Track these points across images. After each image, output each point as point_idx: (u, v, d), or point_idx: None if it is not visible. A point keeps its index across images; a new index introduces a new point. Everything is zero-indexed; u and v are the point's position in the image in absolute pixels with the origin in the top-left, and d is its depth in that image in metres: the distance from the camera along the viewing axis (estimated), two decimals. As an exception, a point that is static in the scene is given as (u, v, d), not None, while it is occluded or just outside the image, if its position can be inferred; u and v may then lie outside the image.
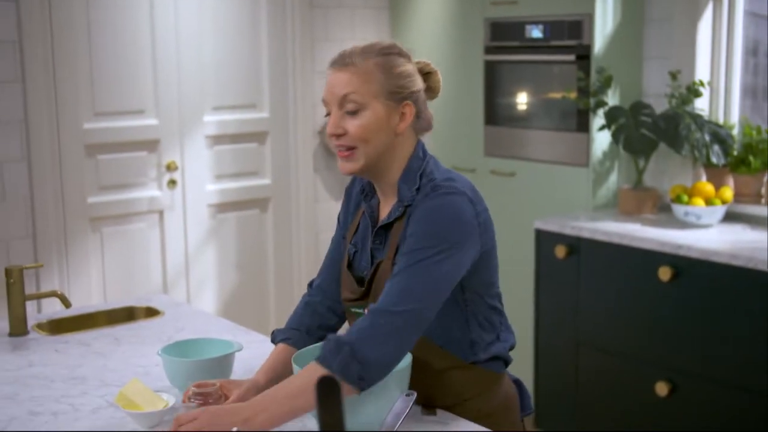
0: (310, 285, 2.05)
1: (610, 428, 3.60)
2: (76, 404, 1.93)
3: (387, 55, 1.80)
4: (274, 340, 1.99)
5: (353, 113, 1.78)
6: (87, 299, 4.04)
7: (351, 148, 1.79)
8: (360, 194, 1.95)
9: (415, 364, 1.80)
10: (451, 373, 1.84)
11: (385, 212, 1.88)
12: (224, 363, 1.97)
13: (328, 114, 1.82)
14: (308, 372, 1.66)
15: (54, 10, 3.89)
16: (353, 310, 1.89)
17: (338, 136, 1.79)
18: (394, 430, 1.63)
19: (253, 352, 2.21)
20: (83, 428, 1.80)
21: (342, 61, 1.79)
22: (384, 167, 1.82)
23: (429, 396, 1.85)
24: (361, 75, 1.77)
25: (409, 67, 1.82)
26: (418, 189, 1.80)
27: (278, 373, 1.88)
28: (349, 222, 1.96)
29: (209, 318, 2.57)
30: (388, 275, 1.76)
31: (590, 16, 3.81)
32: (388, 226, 1.83)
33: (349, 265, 1.92)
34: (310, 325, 1.98)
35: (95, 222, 4.11)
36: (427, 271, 1.68)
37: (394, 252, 1.79)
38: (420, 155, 1.85)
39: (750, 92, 3.90)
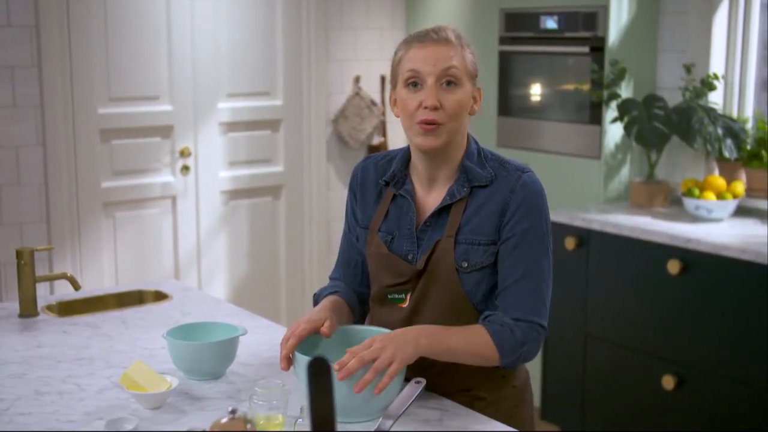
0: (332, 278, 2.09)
1: (616, 420, 3.61)
2: (82, 384, 1.95)
3: (463, 37, 1.86)
4: (318, 298, 2.00)
5: (450, 89, 1.81)
6: (99, 283, 4.08)
7: (438, 124, 1.81)
8: (381, 183, 1.95)
9: None
10: None
11: (429, 197, 1.90)
12: (228, 347, 1.99)
13: (411, 83, 1.82)
14: (477, 334, 1.77)
15: (71, -4, 3.92)
16: (391, 296, 1.91)
17: (434, 108, 1.80)
18: (399, 415, 1.64)
19: (258, 337, 2.23)
20: (88, 408, 1.83)
21: (438, 36, 1.82)
22: (454, 147, 1.87)
23: (471, 372, 1.88)
24: (458, 53, 1.83)
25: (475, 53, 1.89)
26: (492, 170, 1.86)
27: (339, 304, 1.94)
28: (372, 212, 1.96)
29: (216, 303, 2.60)
30: (449, 253, 1.83)
31: (605, 8, 3.80)
32: (443, 207, 1.86)
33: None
34: (352, 289, 2.02)
35: (108, 207, 4.14)
36: (549, 273, 1.85)
37: (455, 230, 1.83)
38: (472, 138, 1.92)
39: (765, 86, 3.87)
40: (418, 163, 1.91)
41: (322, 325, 1.82)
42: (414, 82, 1.81)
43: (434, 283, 1.86)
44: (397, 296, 1.90)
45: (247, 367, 2.05)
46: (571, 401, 3.78)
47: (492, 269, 1.85)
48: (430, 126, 1.80)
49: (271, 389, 1.71)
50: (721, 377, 3.23)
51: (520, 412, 1.96)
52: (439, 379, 1.88)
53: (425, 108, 1.79)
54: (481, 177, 1.86)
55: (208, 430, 1.15)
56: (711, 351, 3.26)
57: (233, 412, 1.15)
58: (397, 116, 1.89)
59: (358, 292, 2.04)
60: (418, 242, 1.88)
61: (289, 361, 1.77)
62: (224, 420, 1.16)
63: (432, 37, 1.82)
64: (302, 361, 1.75)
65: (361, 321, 2.05)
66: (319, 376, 1.01)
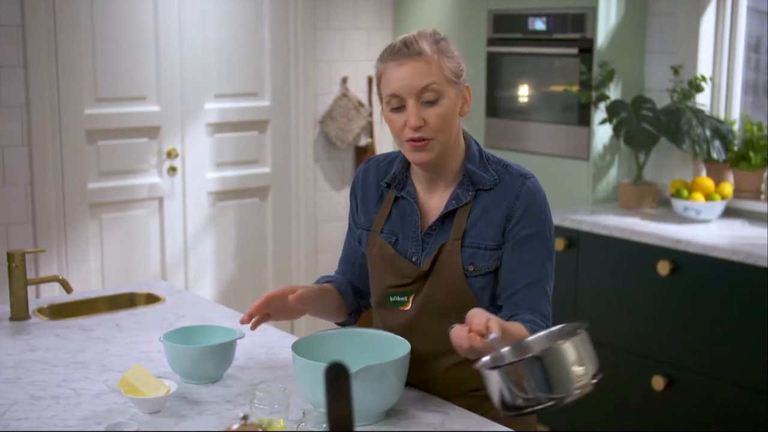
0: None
1: (605, 421, 3.62)
2: (77, 389, 1.93)
3: (441, 41, 1.82)
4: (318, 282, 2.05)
5: (432, 103, 1.79)
6: (86, 285, 4.04)
7: (427, 140, 1.79)
8: (383, 185, 1.95)
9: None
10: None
11: (431, 199, 1.89)
12: (226, 350, 1.97)
13: (394, 104, 1.80)
14: (521, 330, 1.72)
15: (56, -5, 3.89)
16: (392, 299, 1.90)
17: (419, 128, 1.78)
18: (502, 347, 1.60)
19: (254, 340, 2.22)
20: (85, 413, 1.81)
21: (411, 51, 1.78)
22: (450, 153, 1.86)
23: (478, 376, 1.87)
24: (434, 63, 1.78)
25: (457, 51, 1.86)
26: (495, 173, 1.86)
27: (321, 295, 1.97)
28: (374, 213, 1.95)
29: (210, 305, 2.58)
30: (456, 257, 1.82)
31: (594, 10, 3.81)
32: (450, 212, 1.85)
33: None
34: (350, 282, 2.04)
35: (95, 208, 4.11)
36: (553, 278, 1.90)
37: (461, 233, 1.83)
38: (472, 139, 1.91)
39: (751, 88, 3.90)
40: (416, 168, 1.91)
41: (293, 293, 1.88)
42: (397, 103, 1.81)
43: (439, 286, 1.85)
44: (399, 299, 1.90)
45: (244, 370, 2.04)
46: (560, 402, 3.79)
47: (497, 275, 1.85)
48: (418, 143, 1.80)
49: (271, 393, 1.70)
50: (711, 378, 3.25)
51: None
52: (445, 380, 1.89)
53: (410, 128, 1.79)
54: (485, 180, 1.86)
55: (221, 434, 1.14)
56: (701, 352, 3.27)
57: (245, 418, 1.14)
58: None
59: (356, 287, 2.06)
60: (423, 245, 1.88)
61: (250, 318, 1.88)
62: (235, 426, 1.14)
63: (405, 52, 1.79)
64: (307, 365, 1.74)
65: (356, 314, 2.07)
66: (337, 381, 1.00)
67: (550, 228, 1.86)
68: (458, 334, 1.61)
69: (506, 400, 1.49)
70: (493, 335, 1.57)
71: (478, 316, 1.61)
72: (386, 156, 2.00)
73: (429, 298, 1.87)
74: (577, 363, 1.49)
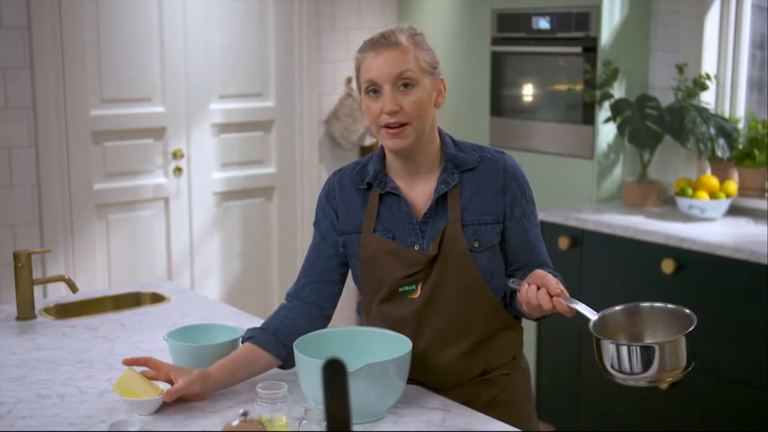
0: (288, 294, 2.07)
1: (610, 420, 3.62)
2: (82, 387, 1.95)
3: (416, 35, 1.91)
4: (243, 339, 1.97)
5: (407, 90, 1.86)
6: (92, 285, 4.06)
7: (403, 125, 1.86)
8: (363, 187, 1.96)
9: (479, 326, 1.92)
10: (507, 332, 1.97)
11: (413, 191, 1.94)
12: (229, 348, 1.99)
13: (371, 91, 1.86)
14: None
15: (62, -3, 3.91)
16: (402, 289, 1.92)
17: (394, 113, 1.85)
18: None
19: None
20: (89, 411, 1.82)
21: (388, 41, 1.87)
22: (426, 142, 1.92)
23: (488, 358, 1.95)
24: (410, 53, 1.87)
25: (431, 46, 1.94)
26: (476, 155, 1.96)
27: (233, 368, 1.90)
28: (361, 216, 1.96)
29: (214, 304, 2.59)
30: (460, 236, 1.89)
31: (597, 8, 3.81)
32: (440, 198, 1.91)
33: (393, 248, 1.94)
34: (278, 327, 1.97)
35: (101, 208, 4.13)
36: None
37: (459, 215, 1.90)
38: (444, 131, 1.99)
39: (756, 86, 3.90)
40: (395, 162, 1.95)
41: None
42: (373, 89, 1.87)
43: (448, 268, 1.89)
44: (408, 288, 1.93)
45: (247, 368, 2.05)
46: (565, 401, 3.79)
47: (498, 248, 1.93)
48: (394, 130, 1.86)
49: (273, 391, 1.71)
50: (716, 376, 3.25)
51: (530, 393, 2.04)
52: (449, 370, 1.92)
53: (386, 114, 1.86)
54: (468, 160, 1.94)
55: (221, 431, 1.15)
56: (705, 350, 3.26)
57: (245, 414, 1.15)
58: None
59: (311, 310, 2.00)
60: (422, 233, 1.91)
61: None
62: (235, 422, 1.15)
63: (383, 42, 1.87)
64: (308, 363, 1.75)
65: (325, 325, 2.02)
66: (335, 377, 1.01)
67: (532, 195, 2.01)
68: (533, 294, 1.76)
69: (614, 366, 1.70)
70: (567, 296, 1.77)
71: (548, 278, 1.77)
72: (356, 164, 2.02)
73: (438, 282, 1.90)
74: (682, 355, 1.66)
